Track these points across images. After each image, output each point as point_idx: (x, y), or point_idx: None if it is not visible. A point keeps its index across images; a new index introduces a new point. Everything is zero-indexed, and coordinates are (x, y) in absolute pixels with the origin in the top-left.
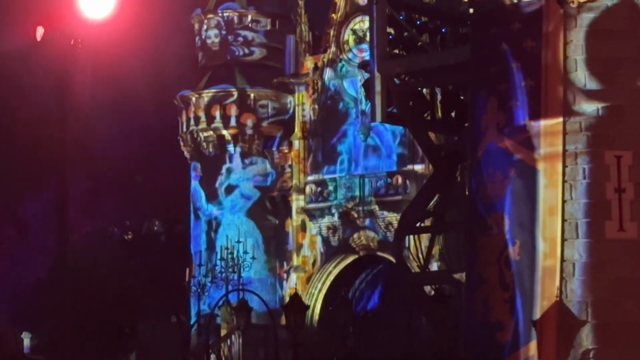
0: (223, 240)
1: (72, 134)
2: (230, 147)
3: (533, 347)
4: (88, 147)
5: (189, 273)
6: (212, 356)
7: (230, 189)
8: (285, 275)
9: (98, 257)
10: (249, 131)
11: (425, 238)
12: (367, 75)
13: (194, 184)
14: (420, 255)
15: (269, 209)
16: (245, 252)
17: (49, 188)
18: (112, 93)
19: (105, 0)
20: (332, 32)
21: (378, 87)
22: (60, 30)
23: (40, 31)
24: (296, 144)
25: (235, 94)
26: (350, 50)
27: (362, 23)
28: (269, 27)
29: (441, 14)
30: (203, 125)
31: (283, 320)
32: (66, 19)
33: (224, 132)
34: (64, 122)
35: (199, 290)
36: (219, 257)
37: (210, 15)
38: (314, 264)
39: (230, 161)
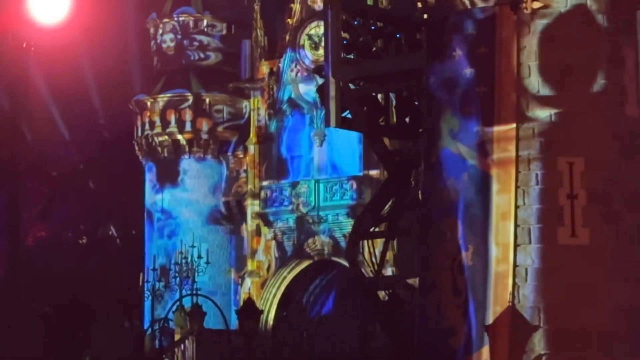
0: (177, 244)
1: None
2: (185, 152)
3: (486, 352)
4: (42, 152)
5: (142, 278)
6: None
7: (185, 194)
8: (239, 280)
9: (52, 261)
10: (204, 136)
11: (379, 243)
12: (321, 80)
13: (149, 188)
14: (374, 260)
15: (224, 214)
16: (200, 257)
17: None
18: (66, 97)
19: (58, 3)
20: (287, 37)
21: (332, 92)
22: (12, 33)
23: None
24: (251, 148)
25: (191, 98)
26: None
27: (317, 28)
28: (224, 32)
29: (396, 20)
30: (158, 129)
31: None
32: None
33: (179, 136)
34: (17, 127)
35: (152, 295)
36: (173, 261)
37: (166, 20)
38: (268, 269)
39: (185, 166)
